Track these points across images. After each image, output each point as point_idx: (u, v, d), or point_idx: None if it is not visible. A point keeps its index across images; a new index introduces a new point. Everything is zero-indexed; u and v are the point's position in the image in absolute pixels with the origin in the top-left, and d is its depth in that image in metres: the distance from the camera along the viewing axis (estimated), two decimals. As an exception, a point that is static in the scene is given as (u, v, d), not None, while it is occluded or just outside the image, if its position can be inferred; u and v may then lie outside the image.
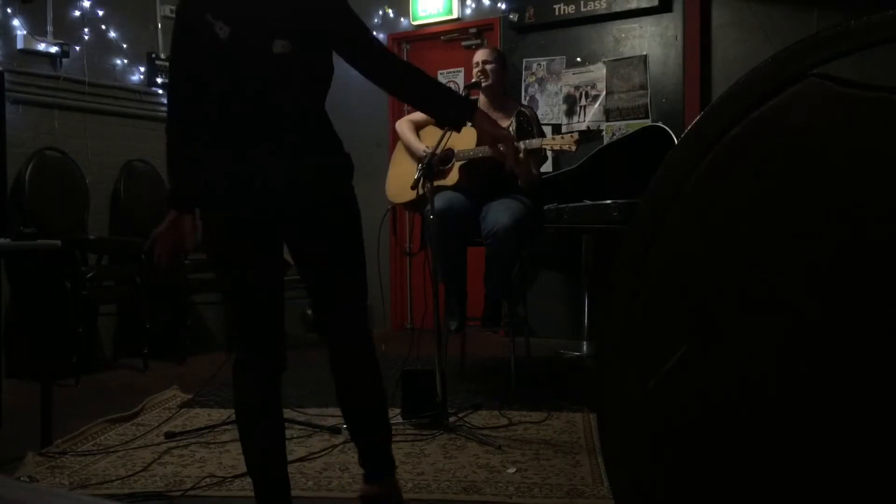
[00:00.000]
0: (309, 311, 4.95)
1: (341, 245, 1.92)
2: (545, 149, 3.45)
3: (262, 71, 1.79)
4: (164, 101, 5.06)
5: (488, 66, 3.65)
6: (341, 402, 2.04)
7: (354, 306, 1.96)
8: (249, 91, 1.80)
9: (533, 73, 5.13)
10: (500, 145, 2.04)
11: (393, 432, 2.83)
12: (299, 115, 1.85)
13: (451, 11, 5.40)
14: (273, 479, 1.90)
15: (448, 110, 1.97)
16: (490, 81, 3.64)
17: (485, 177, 3.58)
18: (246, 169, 1.80)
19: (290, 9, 1.80)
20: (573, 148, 3.33)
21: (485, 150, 3.51)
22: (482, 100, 3.73)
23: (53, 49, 4.41)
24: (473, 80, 3.65)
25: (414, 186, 2.96)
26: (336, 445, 2.71)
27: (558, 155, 4.59)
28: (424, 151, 3.55)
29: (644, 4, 4.71)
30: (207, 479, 2.38)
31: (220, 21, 1.75)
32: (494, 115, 3.70)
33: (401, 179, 3.70)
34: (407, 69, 2.00)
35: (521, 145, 3.36)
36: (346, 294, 1.94)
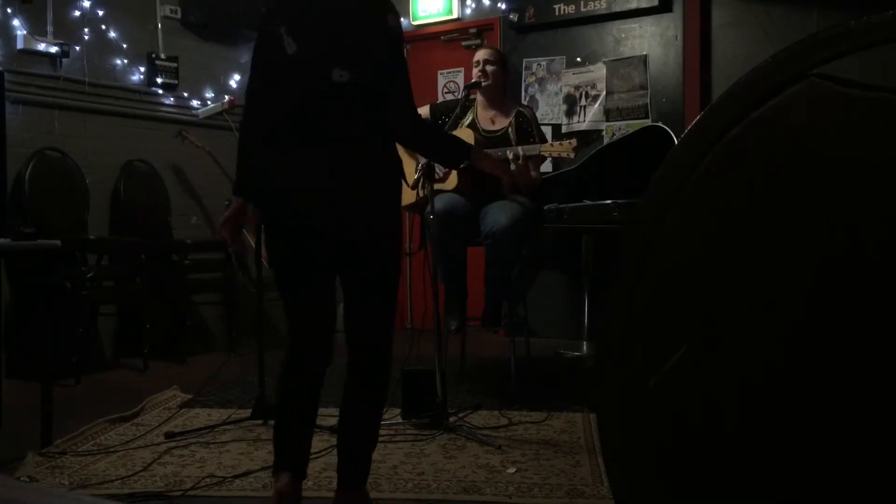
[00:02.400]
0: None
1: (392, 253, 1.99)
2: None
3: (320, 94, 1.87)
4: (164, 101, 5.11)
5: (489, 68, 3.64)
6: (350, 400, 2.05)
7: (392, 312, 2.05)
8: (306, 108, 1.88)
9: (533, 73, 5.13)
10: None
11: (393, 432, 2.86)
12: (356, 134, 1.91)
13: (451, 11, 5.40)
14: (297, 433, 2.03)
15: (455, 160, 2.32)
16: (490, 82, 3.63)
17: (484, 179, 3.57)
18: (311, 174, 1.87)
19: (355, 41, 1.88)
20: (571, 155, 3.34)
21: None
22: (480, 100, 3.73)
23: (53, 49, 4.41)
24: (473, 80, 3.65)
25: (414, 187, 2.96)
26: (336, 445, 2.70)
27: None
28: None
29: (644, 4, 4.71)
30: (207, 479, 2.38)
31: (291, 38, 1.84)
32: (492, 114, 3.71)
33: None
34: (427, 130, 2.24)
35: (520, 151, 3.37)
36: (388, 299, 2.01)
